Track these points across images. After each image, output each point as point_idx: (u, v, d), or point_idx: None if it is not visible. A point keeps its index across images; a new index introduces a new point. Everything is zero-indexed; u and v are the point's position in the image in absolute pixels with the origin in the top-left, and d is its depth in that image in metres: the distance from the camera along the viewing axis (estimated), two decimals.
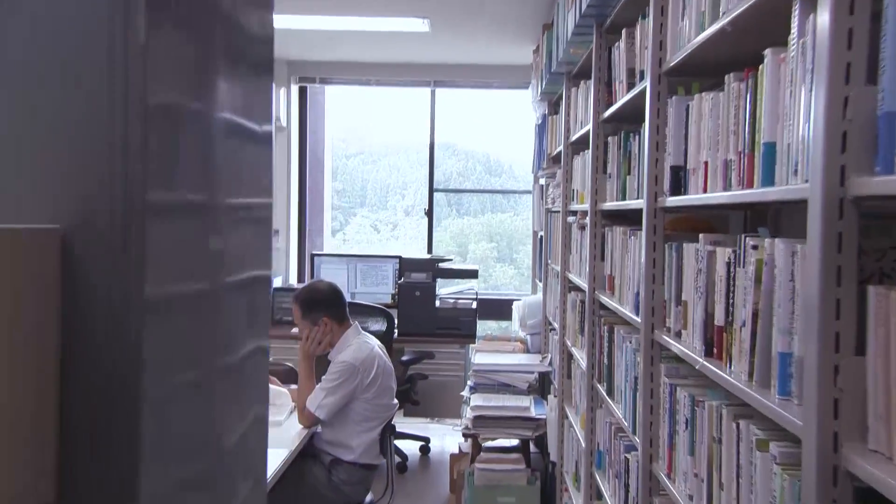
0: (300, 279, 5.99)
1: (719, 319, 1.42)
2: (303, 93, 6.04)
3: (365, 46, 5.31)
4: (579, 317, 3.23)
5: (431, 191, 5.97)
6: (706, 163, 1.55)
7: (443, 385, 5.06)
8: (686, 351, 1.58)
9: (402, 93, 6.31)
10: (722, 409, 1.38)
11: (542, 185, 4.62)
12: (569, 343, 3.44)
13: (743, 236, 1.32)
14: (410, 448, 4.88)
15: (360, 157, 6.55)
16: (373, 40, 5.05)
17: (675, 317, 1.73)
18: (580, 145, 3.33)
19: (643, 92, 1.98)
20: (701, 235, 1.55)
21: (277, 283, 5.69)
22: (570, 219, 3.49)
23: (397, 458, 4.64)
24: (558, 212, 3.81)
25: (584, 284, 2.95)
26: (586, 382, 2.84)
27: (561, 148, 3.71)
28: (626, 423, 2.14)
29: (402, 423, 5.13)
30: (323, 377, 3.02)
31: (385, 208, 6.54)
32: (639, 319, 1.97)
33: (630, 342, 2.13)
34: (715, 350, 1.45)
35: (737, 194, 1.36)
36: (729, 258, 1.38)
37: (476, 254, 6.41)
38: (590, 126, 2.81)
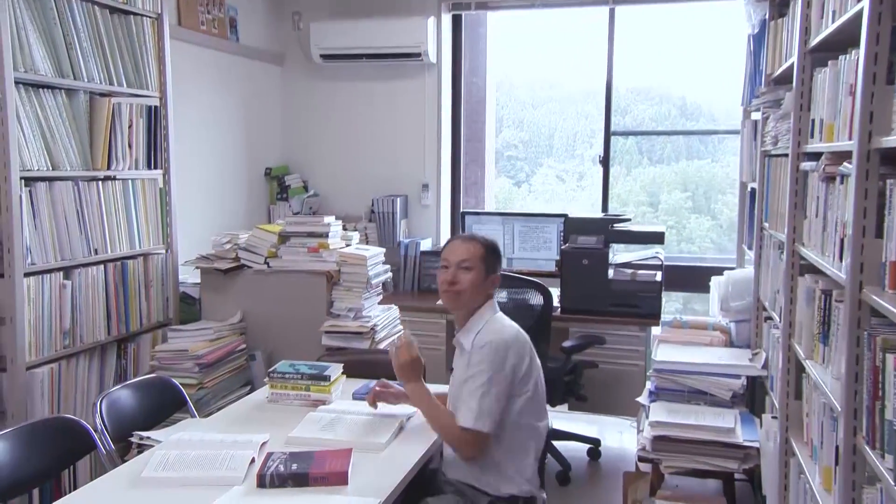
0: None
1: None
2: (457, 23, 5.13)
3: None
4: (820, 315, 2.12)
5: (608, 134, 4.87)
6: None
7: (618, 376, 4.04)
8: None
9: (576, 20, 5.24)
10: None
11: (757, 121, 3.41)
12: (799, 349, 2.33)
13: None
14: (576, 452, 3.96)
15: (547, 106, 5.93)
16: None
17: None
18: (828, 51, 2.16)
19: None
20: None
21: (426, 245, 4.93)
22: (807, 165, 2.34)
23: (558, 467, 3.76)
24: (784, 155, 2.65)
25: (837, 272, 1.85)
26: (840, 431, 1.77)
27: (793, 60, 2.52)
28: None
29: (567, 420, 4.22)
30: (463, 380, 2.14)
31: (572, 157, 5.95)
32: None
33: None
34: None
35: None
36: None
37: (668, 204, 5.67)
38: (863, 6, 1.66)
